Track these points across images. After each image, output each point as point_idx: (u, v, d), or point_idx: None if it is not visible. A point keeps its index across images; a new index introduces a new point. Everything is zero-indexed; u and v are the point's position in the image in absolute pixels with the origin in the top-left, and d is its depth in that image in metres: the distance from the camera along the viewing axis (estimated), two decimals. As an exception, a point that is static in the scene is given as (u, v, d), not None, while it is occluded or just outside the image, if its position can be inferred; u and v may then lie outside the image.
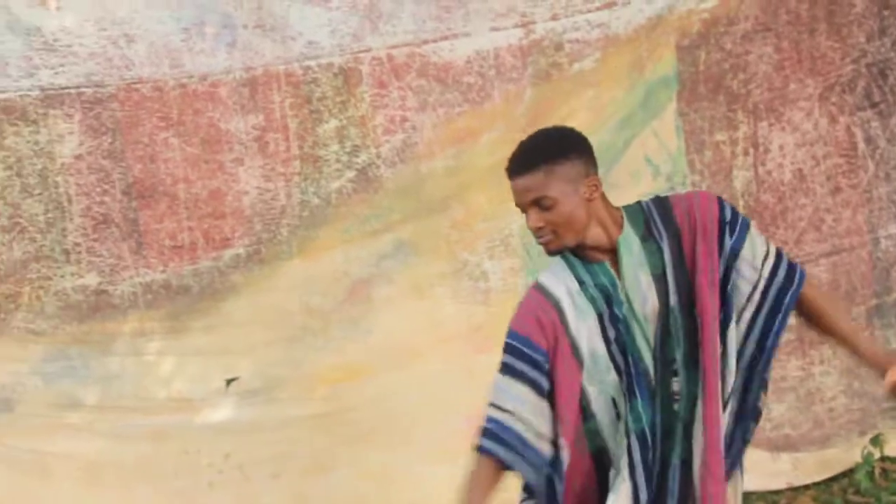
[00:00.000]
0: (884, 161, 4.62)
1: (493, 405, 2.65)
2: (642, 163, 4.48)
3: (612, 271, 2.63)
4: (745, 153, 4.54)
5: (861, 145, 4.60)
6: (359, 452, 4.37)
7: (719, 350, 2.61)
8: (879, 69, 4.56)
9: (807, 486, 4.58)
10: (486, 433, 2.64)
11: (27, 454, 4.26)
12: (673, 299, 2.62)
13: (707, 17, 4.41)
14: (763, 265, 2.68)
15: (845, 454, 4.62)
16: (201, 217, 4.13)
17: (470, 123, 4.24)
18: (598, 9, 4.26)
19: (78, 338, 4.21)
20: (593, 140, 4.30)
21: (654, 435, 2.62)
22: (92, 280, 4.13)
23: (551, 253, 2.62)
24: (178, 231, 4.13)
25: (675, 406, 2.63)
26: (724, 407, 2.65)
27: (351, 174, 4.19)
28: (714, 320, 2.60)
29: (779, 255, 2.74)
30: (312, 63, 4.10)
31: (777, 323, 2.69)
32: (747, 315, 2.67)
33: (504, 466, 2.63)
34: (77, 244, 4.10)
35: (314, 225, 4.20)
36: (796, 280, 2.72)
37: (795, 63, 4.51)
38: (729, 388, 2.66)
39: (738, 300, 2.65)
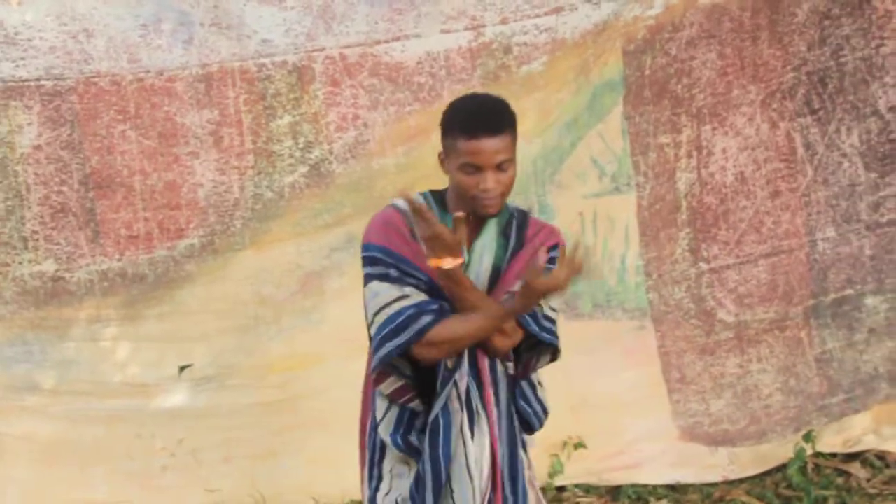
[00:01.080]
0: (822, 166, 4.77)
1: (376, 311, 2.71)
2: (588, 164, 4.62)
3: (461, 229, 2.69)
4: (689, 156, 4.68)
5: (800, 150, 4.75)
6: (308, 439, 4.51)
7: None
8: (819, 77, 4.71)
9: (741, 480, 4.72)
10: (380, 342, 2.71)
11: (-16, 435, 4.38)
12: (496, 294, 2.74)
13: (653, 24, 4.55)
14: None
15: (780, 449, 4.78)
16: (157, 208, 4.26)
17: (420, 122, 4.37)
18: (545, 14, 4.40)
19: (35, 323, 4.33)
20: (541, 141, 4.54)
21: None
22: (49, 267, 4.25)
23: (488, 215, 2.70)
24: (134, 221, 4.26)
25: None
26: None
27: (304, 169, 4.32)
28: None
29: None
30: (267, 61, 4.23)
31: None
32: None
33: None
34: (35, 232, 4.22)
35: (267, 217, 4.33)
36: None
37: (738, 69, 4.65)
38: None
39: None
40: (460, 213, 2.63)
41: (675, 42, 4.59)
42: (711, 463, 4.75)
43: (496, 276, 2.77)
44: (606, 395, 4.68)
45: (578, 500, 4.61)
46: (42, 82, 4.11)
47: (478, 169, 2.64)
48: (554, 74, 4.48)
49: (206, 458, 4.46)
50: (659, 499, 4.64)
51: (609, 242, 4.67)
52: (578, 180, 4.62)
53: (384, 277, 2.70)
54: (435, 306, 2.67)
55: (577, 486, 4.63)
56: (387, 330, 2.67)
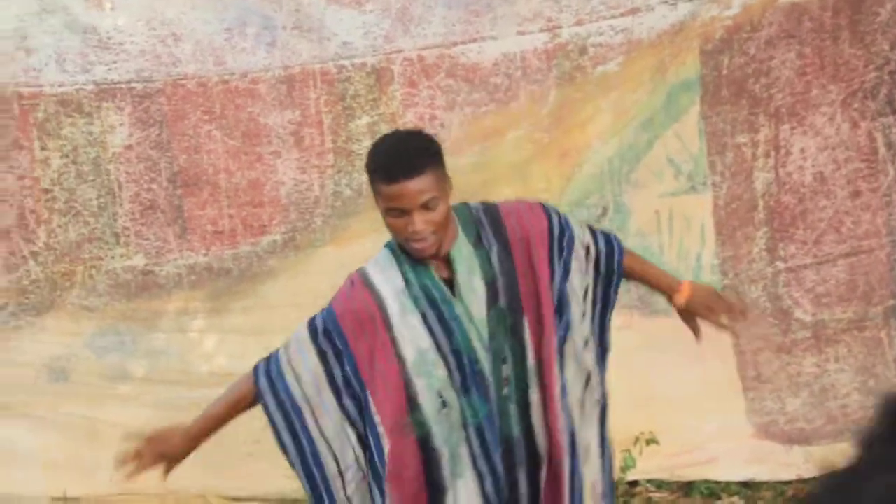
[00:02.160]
0: (904, 166, 4.73)
1: (287, 353, 2.89)
2: (664, 163, 4.65)
3: (436, 274, 2.72)
4: (767, 155, 4.69)
5: (882, 150, 4.72)
6: (386, 430, 4.63)
7: (555, 344, 2.79)
8: (902, 76, 4.68)
9: (815, 478, 4.72)
10: (268, 372, 2.91)
11: (80, 420, 4.61)
12: (503, 301, 2.74)
13: (730, 24, 4.56)
14: (588, 251, 2.93)
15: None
16: (241, 205, 4.43)
17: (496, 122, 4.46)
18: (622, 14, 4.45)
19: (127, 315, 4.54)
20: (617, 140, 4.59)
21: (491, 424, 2.74)
22: (139, 261, 4.46)
23: (426, 256, 2.67)
24: (219, 218, 4.43)
25: (505, 390, 2.75)
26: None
27: (382, 168, 4.44)
28: (551, 316, 2.78)
29: (594, 232, 3.01)
30: (346, 62, 4.36)
31: (612, 295, 3.00)
32: (590, 295, 2.93)
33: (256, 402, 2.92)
34: (126, 228, 4.42)
35: (346, 215, 4.47)
36: (616, 248, 3.01)
37: (818, 69, 4.64)
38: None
39: (577, 299, 2.87)
40: None
41: (753, 42, 4.60)
42: (786, 461, 4.75)
43: (492, 289, 2.73)
44: (681, 391, 4.71)
45: (650, 494, 4.66)
46: (133, 84, 4.31)
47: (404, 212, 2.59)
48: (629, 74, 4.53)
49: (286, 446, 4.61)
50: (731, 495, 4.66)
51: (685, 241, 4.70)
52: (655, 179, 4.66)
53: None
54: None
55: (649, 481, 4.68)
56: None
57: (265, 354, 4.63)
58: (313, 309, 4.59)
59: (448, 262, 2.71)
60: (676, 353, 4.72)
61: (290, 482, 4.58)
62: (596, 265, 2.95)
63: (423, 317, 2.71)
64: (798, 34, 4.60)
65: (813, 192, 4.73)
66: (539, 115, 4.48)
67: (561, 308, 2.80)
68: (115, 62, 4.27)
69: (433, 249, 2.64)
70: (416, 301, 2.71)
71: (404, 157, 2.62)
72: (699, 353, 4.72)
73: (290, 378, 2.85)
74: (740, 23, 4.57)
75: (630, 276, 3.08)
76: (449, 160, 4.46)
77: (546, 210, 2.86)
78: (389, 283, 2.73)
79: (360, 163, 4.41)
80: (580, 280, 2.88)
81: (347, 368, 2.77)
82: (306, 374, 2.83)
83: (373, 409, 2.74)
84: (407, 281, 2.72)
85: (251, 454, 4.65)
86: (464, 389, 2.72)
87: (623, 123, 4.58)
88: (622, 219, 4.64)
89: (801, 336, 4.77)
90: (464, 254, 2.72)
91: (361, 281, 2.79)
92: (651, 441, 4.59)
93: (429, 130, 4.41)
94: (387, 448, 2.73)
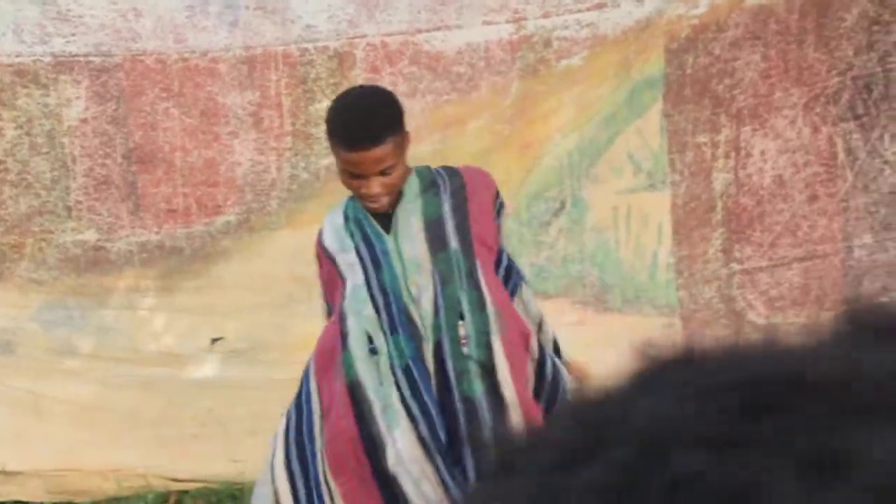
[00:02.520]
0: (862, 172, 4.75)
1: None
2: (625, 159, 4.64)
3: (370, 216, 2.79)
4: (727, 156, 4.69)
5: (841, 155, 4.73)
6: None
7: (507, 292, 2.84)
8: (865, 83, 4.68)
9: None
10: None
11: (24, 395, 4.55)
12: (453, 244, 2.76)
13: (697, 23, 4.55)
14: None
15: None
16: (196, 184, 4.37)
17: (457, 111, 4.43)
18: (588, 9, 4.42)
19: (76, 289, 4.48)
20: (578, 135, 4.58)
21: (418, 364, 2.72)
22: (91, 236, 4.40)
23: (379, 213, 2.76)
24: (174, 196, 4.38)
25: (464, 349, 2.72)
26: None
27: (340, 153, 4.40)
28: (494, 267, 2.83)
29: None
30: (309, 46, 4.31)
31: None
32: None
33: None
34: (79, 202, 4.36)
35: (303, 198, 4.43)
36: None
37: (782, 72, 4.64)
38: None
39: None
40: None
41: (718, 42, 4.59)
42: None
43: (436, 230, 2.76)
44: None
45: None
46: (91, 58, 4.24)
47: (361, 175, 2.66)
48: (594, 69, 4.51)
49: (234, 429, 4.58)
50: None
51: (642, 238, 4.70)
52: (614, 175, 4.65)
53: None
54: None
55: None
56: None
57: (214, 336, 4.66)
58: (266, 292, 4.59)
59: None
60: (628, 351, 4.74)
61: (233, 466, 4.57)
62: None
63: (357, 251, 2.76)
64: (763, 36, 4.60)
65: (771, 195, 4.74)
66: (501, 107, 4.46)
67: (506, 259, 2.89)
68: (73, 35, 4.20)
69: (386, 208, 2.72)
70: (351, 235, 2.78)
71: (365, 126, 2.64)
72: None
73: None
74: (706, 22, 4.57)
75: None
76: (410, 147, 4.48)
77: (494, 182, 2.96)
78: (332, 224, 2.83)
79: (319, 147, 4.38)
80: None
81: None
82: None
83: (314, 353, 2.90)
84: (346, 216, 2.80)
85: (196, 436, 4.62)
86: (390, 330, 2.72)
87: (585, 118, 4.57)
88: (580, 213, 4.63)
89: (753, 338, 4.78)
90: (408, 194, 2.77)
91: (318, 233, 2.94)
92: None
93: (389, 117, 4.37)
94: (313, 382, 2.83)
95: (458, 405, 2.75)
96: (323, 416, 2.82)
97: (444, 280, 2.72)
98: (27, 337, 4.52)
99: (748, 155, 4.70)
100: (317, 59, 4.33)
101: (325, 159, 4.41)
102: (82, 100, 4.27)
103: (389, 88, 4.30)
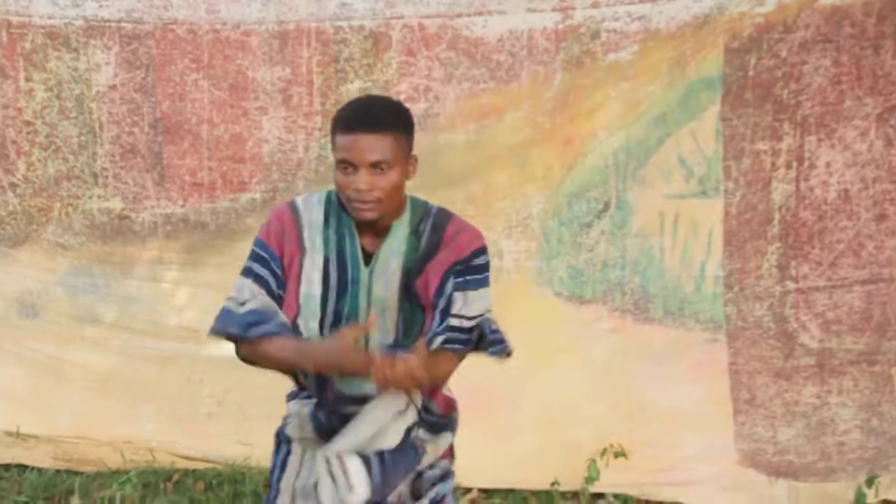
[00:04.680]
0: (938, 194, 4.37)
1: (230, 298, 2.72)
2: (675, 163, 4.37)
3: (357, 238, 2.62)
4: (788, 166, 4.36)
5: (915, 174, 4.36)
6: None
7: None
8: (947, 96, 4.31)
9: (797, 516, 4.42)
10: (218, 318, 2.73)
11: (47, 358, 4.55)
12: (422, 298, 2.62)
13: (761, 22, 4.24)
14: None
15: (847, 491, 4.44)
16: (222, 159, 4.28)
17: (494, 101, 4.22)
18: (640, 1, 4.16)
19: (101, 257, 4.44)
20: (624, 133, 4.32)
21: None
22: (116, 204, 4.35)
23: (365, 219, 2.57)
24: (199, 169, 4.29)
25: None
26: None
27: (370, 136, 4.25)
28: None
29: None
30: (344, 24, 4.17)
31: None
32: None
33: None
34: (105, 169, 4.31)
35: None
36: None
37: (854, 79, 4.29)
38: None
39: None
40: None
41: (785, 43, 4.27)
42: (769, 494, 4.46)
43: (408, 278, 2.63)
44: (666, 406, 4.45)
45: (614, 509, 4.43)
46: (122, 24, 4.18)
47: (353, 167, 2.50)
48: (644, 65, 4.25)
49: (250, 411, 4.49)
50: (703, 522, 4.40)
51: (689, 247, 4.42)
52: (663, 179, 4.38)
53: (248, 273, 2.69)
54: (276, 321, 2.61)
55: (615, 495, 4.43)
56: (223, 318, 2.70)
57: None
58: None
59: (381, 235, 2.63)
60: (667, 365, 4.48)
61: (242, 449, 4.48)
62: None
63: (326, 261, 2.63)
64: (836, 39, 4.25)
65: (835, 211, 4.39)
66: (542, 98, 4.23)
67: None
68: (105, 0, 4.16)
69: (373, 215, 2.55)
70: (325, 242, 2.63)
71: (368, 111, 2.55)
72: (692, 368, 4.50)
73: (233, 306, 2.80)
74: (772, 22, 4.25)
75: None
76: (441, 136, 4.30)
77: (481, 247, 2.71)
78: (311, 213, 2.67)
79: (348, 129, 4.23)
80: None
81: (276, 268, 2.67)
82: (248, 294, 2.78)
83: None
84: (327, 220, 2.65)
85: (211, 415, 4.55)
86: None
87: (633, 116, 4.31)
88: (623, 216, 4.38)
89: (803, 363, 4.45)
90: (399, 233, 2.63)
91: (289, 207, 2.72)
92: (619, 454, 4.34)
93: (422, 102, 4.21)
94: None
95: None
96: None
97: (405, 330, 2.63)
98: (52, 301, 4.51)
99: (812, 166, 4.36)
100: (351, 38, 4.18)
101: (355, 142, 4.27)
102: (112, 66, 4.21)
103: (424, 72, 4.16)
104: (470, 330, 2.64)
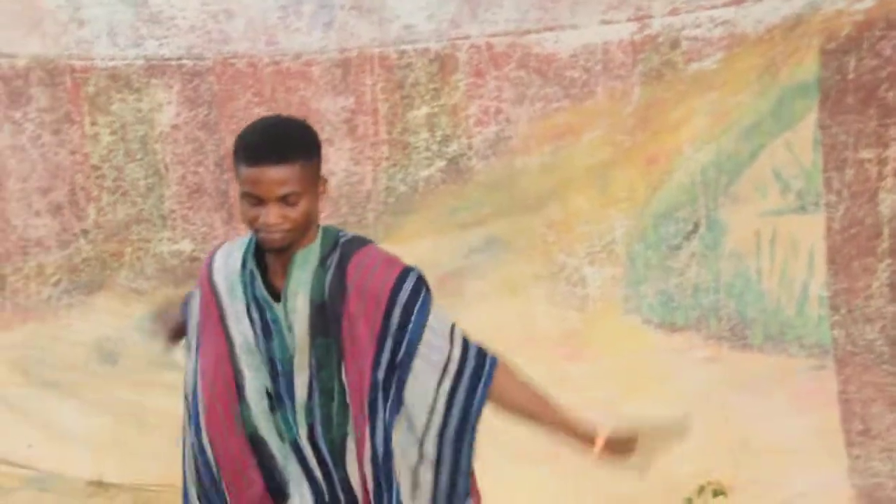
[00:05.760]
0: None
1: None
2: (770, 177, 4.07)
3: (259, 274, 2.46)
4: (896, 175, 4.03)
5: None
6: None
7: (368, 414, 2.42)
8: None
9: (923, 557, 4.05)
10: None
11: (128, 405, 4.49)
12: (332, 332, 2.43)
13: (861, 19, 3.92)
14: (452, 345, 2.47)
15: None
16: (289, 195, 4.16)
17: (570, 120, 4.01)
18: (723, 5, 3.89)
19: (174, 301, 4.34)
20: (713, 147, 4.06)
21: (312, 449, 2.44)
22: (186, 246, 4.27)
23: (273, 249, 2.40)
24: (267, 207, 4.18)
25: (333, 434, 2.44)
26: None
27: (441, 164, 4.07)
28: (365, 385, 2.42)
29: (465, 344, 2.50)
30: (408, 47, 4.01)
31: (476, 403, 2.51)
32: (446, 386, 2.45)
33: None
34: (173, 210, 4.24)
35: (400, 212, 4.13)
36: (485, 371, 2.49)
37: (970, 78, 3.94)
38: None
39: (426, 377, 2.43)
40: None
41: (889, 41, 3.94)
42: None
43: (320, 314, 2.42)
44: (770, 440, 4.14)
45: (721, 553, 4.12)
46: (183, 61, 4.10)
47: (260, 201, 2.33)
48: (731, 74, 3.97)
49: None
50: (819, 566, 4.07)
51: (789, 267, 4.11)
52: (757, 194, 4.09)
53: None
54: None
55: (718, 537, 4.13)
56: None
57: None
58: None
59: (287, 265, 2.46)
60: (769, 395, 4.18)
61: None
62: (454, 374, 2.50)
63: (248, 307, 2.48)
64: (944, 35, 3.92)
65: (952, 223, 4.04)
66: (621, 115, 3.99)
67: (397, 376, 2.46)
68: (165, 37, 4.08)
69: (282, 243, 2.38)
70: (244, 287, 2.48)
71: (273, 141, 2.36)
72: (797, 398, 4.18)
73: None
74: (873, 18, 3.92)
75: (509, 409, 2.57)
76: (515, 160, 4.10)
77: (400, 276, 2.46)
78: (229, 259, 2.53)
79: (417, 157, 4.08)
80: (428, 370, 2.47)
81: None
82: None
83: (200, 393, 2.52)
84: (244, 264, 2.50)
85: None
86: (278, 398, 2.46)
87: (722, 129, 4.03)
88: (715, 237, 4.10)
89: (918, 389, 4.10)
90: (305, 262, 2.44)
91: (210, 254, 2.60)
92: (718, 492, 4.04)
93: (493, 125, 4.02)
94: (210, 452, 2.52)
95: (339, 488, 2.46)
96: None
97: (319, 365, 2.45)
98: (129, 347, 4.45)
99: (924, 175, 4.02)
100: (416, 62, 4.01)
101: (425, 170, 4.10)
102: (174, 105, 4.14)
103: (494, 94, 3.96)
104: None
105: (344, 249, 2.46)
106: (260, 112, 4.10)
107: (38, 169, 4.29)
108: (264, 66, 4.06)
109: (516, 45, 3.97)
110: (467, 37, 3.98)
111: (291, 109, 4.08)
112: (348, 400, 2.43)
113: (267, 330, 2.46)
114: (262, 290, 2.45)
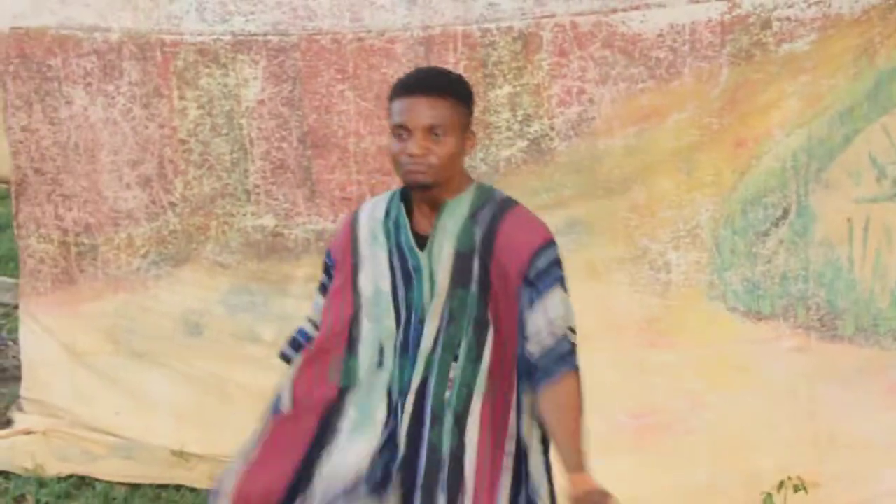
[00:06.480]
0: None
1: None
2: (866, 163, 3.91)
3: (407, 221, 2.52)
4: None
5: None
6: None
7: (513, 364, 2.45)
8: None
9: None
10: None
11: (211, 377, 4.54)
12: (474, 287, 2.45)
13: (965, -2, 3.75)
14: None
15: None
16: (370, 171, 4.14)
17: (655, 101, 3.90)
18: (818, -16, 3.75)
19: (258, 275, 4.39)
20: (804, 132, 3.94)
21: (414, 406, 2.47)
22: (269, 222, 4.29)
23: (416, 184, 2.43)
24: (348, 183, 4.17)
25: (447, 393, 2.45)
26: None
27: (522, 144, 4.01)
28: (510, 334, 2.44)
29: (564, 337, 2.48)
30: (492, 26, 3.95)
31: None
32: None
33: None
34: (257, 186, 4.26)
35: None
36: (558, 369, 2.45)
37: None
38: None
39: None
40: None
41: None
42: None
43: (464, 264, 2.45)
44: (859, 435, 3.99)
45: (805, 549, 3.99)
46: (269, 37, 4.11)
47: (408, 132, 2.38)
48: (825, 56, 3.82)
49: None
50: (904, 567, 3.91)
51: (883, 256, 3.95)
52: (851, 181, 3.93)
53: (321, 288, 2.69)
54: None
55: (798, 534, 4.00)
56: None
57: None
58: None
59: (436, 213, 2.50)
60: (860, 388, 4.02)
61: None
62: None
63: (390, 254, 2.53)
64: None
65: None
66: (708, 97, 3.87)
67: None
68: (252, 13, 4.09)
69: (426, 178, 2.42)
70: (388, 234, 2.54)
71: (428, 76, 2.55)
72: (889, 392, 4.03)
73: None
74: (980, -3, 3.75)
75: (541, 413, 2.51)
76: (598, 141, 4.01)
77: (542, 246, 2.50)
78: (373, 210, 2.60)
79: (499, 136, 4.03)
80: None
81: (332, 272, 2.68)
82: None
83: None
84: (387, 213, 2.56)
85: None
86: (402, 349, 2.51)
87: (814, 113, 3.89)
88: (805, 224, 3.96)
89: None
90: (453, 213, 2.49)
91: (355, 210, 2.67)
92: (800, 488, 3.91)
93: (576, 105, 3.96)
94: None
95: (423, 451, 2.47)
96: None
97: (451, 317, 2.47)
98: (214, 320, 4.50)
99: None
100: (499, 41, 3.95)
101: (506, 150, 4.04)
102: (259, 80, 4.15)
103: (578, 74, 3.89)
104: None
105: (500, 206, 2.51)
106: (343, 89, 4.09)
107: (129, 142, 4.35)
108: (348, 43, 4.04)
109: (602, 23, 3.88)
110: (552, 15, 3.90)
111: (374, 87, 4.06)
112: (484, 355, 2.45)
113: (408, 278, 2.50)
114: (408, 236, 2.50)
